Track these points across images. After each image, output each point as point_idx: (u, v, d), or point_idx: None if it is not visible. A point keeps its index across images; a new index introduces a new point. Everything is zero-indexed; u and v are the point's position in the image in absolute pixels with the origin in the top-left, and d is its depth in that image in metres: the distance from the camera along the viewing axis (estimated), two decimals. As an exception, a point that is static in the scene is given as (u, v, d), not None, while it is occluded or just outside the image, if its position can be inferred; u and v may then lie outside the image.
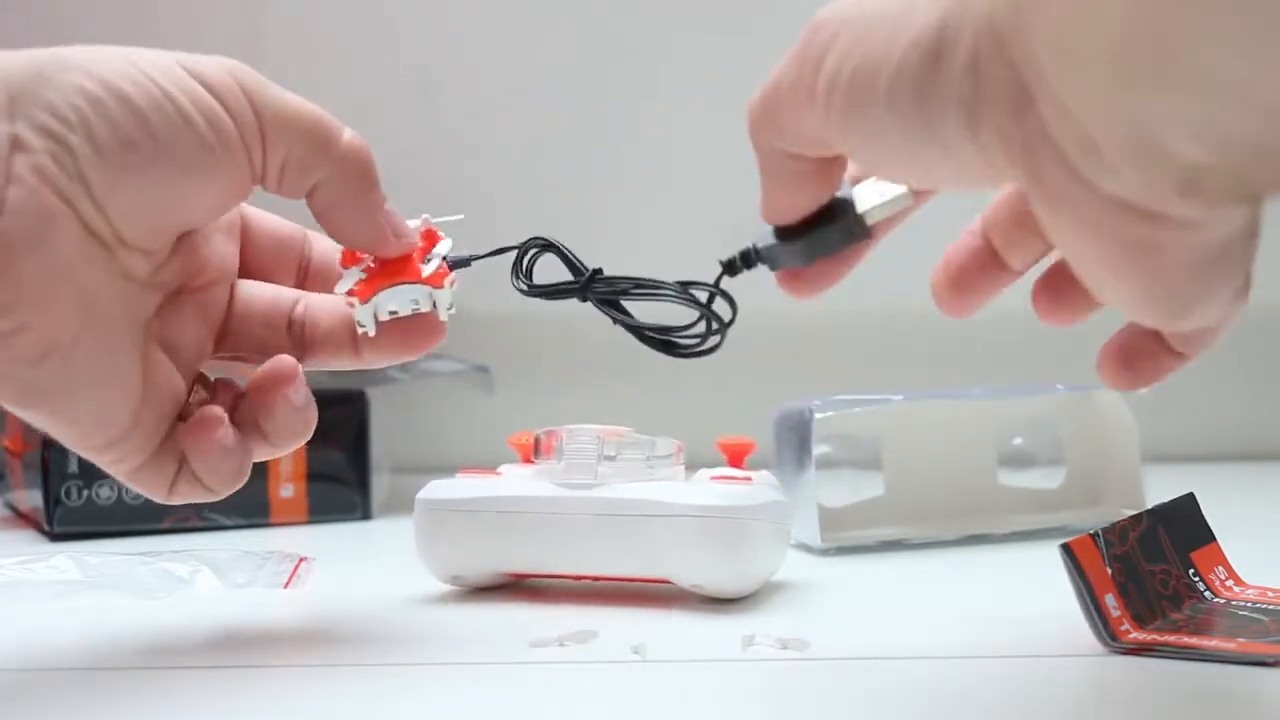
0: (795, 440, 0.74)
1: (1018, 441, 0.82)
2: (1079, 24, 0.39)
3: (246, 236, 0.58)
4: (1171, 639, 0.52)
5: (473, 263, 0.55)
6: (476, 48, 1.14)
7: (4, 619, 0.61)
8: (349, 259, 0.55)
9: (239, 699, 0.50)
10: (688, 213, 1.15)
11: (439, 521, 0.62)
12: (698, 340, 0.52)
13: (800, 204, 0.51)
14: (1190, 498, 0.58)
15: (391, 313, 0.54)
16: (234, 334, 0.57)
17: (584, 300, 0.52)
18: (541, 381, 1.09)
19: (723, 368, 1.11)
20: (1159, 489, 0.64)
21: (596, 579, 0.62)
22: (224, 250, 0.56)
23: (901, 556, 0.73)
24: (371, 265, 0.54)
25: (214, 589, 0.64)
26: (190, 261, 0.55)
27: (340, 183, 0.53)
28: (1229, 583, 0.57)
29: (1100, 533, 0.54)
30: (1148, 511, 0.57)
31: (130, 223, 0.51)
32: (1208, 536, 0.58)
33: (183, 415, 0.54)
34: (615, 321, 0.51)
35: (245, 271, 0.57)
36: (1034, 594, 0.61)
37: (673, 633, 0.57)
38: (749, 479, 0.63)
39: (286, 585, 0.65)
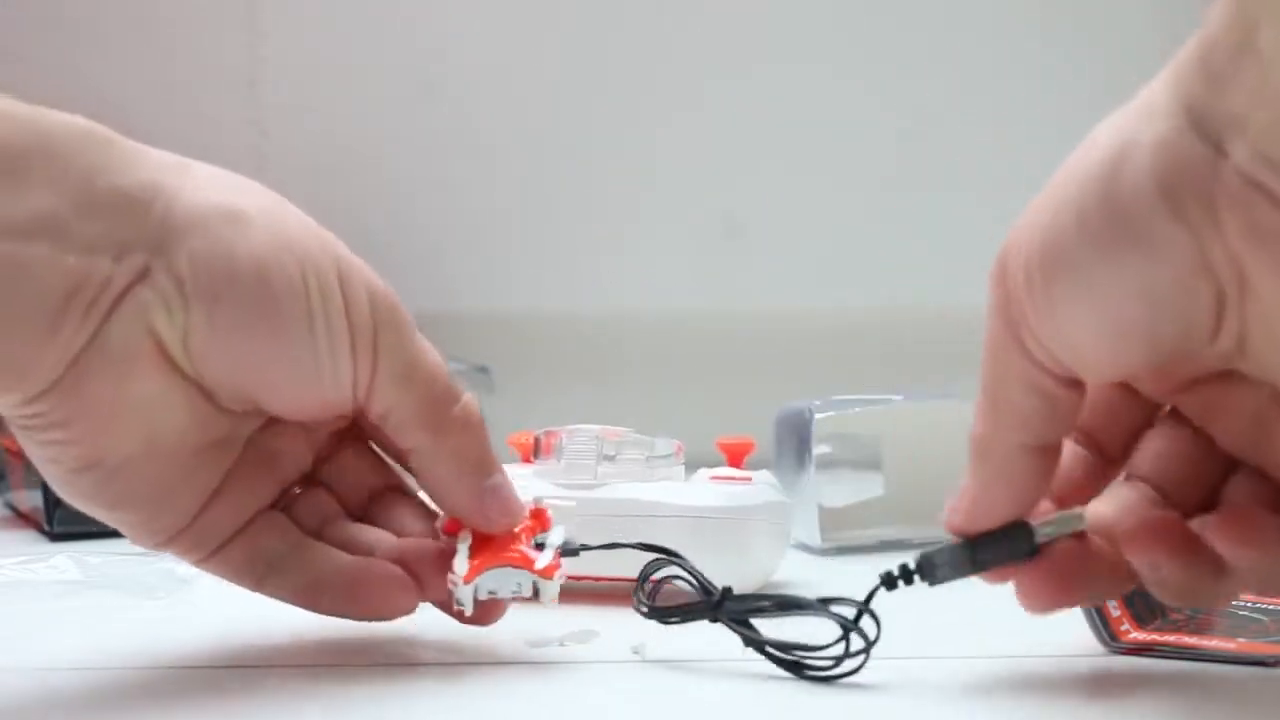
0: (795, 440, 0.74)
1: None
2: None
3: None
4: (1171, 639, 0.52)
5: (581, 553, 0.53)
6: (476, 48, 1.14)
7: (4, 619, 0.61)
8: (451, 526, 0.52)
9: (239, 699, 0.50)
10: (688, 212, 1.15)
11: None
12: (833, 662, 0.48)
13: (1013, 500, 0.47)
14: (1190, 497, 0.58)
15: (490, 593, 0.52)
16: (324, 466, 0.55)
17: (714, 621, 0.50)
18: (541, 381, 1.09)
19: (723, 368, 1.11)
20: (1159, 489, 0.64)
21: (597, 579, 0.62)
22: None
23: (901, 556, 0.73)
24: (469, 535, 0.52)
25: (214, 589, 0.64)
26: None
27: (439, 457, 0.52)
28: (1229, 583, 0.57)
29: (1100, 533, 0.54)
30: (1148, 511, 0.57)
31: (216, 387, 0.50)
32: (1208, 536, 0.58)
33: (286, 509, 0.54)
34: (746, 644, 0.49)
35: None
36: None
37: (673, 633, 0.57)
38: (749, 479, 0.63)
39: (286, 585, 0.65)
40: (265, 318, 0.49)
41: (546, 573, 0.51)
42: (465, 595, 0.51)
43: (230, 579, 0.54)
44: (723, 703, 0.49)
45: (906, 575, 0.48)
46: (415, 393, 0.51)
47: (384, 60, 1.15)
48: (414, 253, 1.14)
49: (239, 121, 1.14)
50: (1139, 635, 0.52)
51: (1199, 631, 0.53)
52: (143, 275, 0.48)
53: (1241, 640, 0.52)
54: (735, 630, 0.49)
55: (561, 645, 0.54)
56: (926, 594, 0.67)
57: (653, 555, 0.52)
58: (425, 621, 0.60)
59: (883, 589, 0.47)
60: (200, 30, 1.14)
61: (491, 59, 1.15)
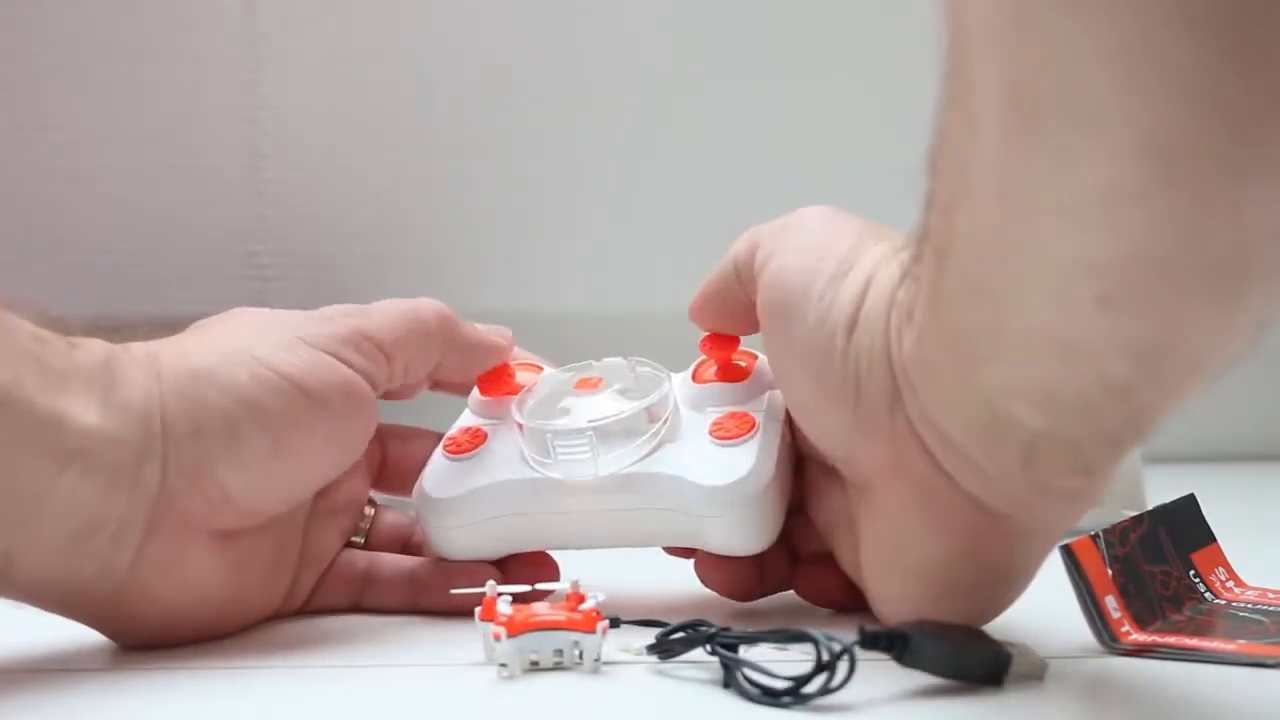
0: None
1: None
2: (932, 332, 0.47)
3: None
4: (1172, 640, 0.52)
5: (622, 624, 0.52)
6: (476, 48, 1.14)
7: (4, 619, 0.61)
8: (487, 611, 0.52)
9: (239, 699, 0.50)
10: (688, 214, 1.15)
11: (439, 519, 0.61)
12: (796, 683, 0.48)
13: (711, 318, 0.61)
14: (1191, 499, 0.58)
15: (533, 662, 0.51)
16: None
17: (711, 653, 0.50)
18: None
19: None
20: (1159, 489, 0.64)
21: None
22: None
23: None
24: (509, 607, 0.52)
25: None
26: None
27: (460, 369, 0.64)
28: (1229, 584, 0.57)
29: (1101, 533, 0.54)
30: (1149, 512, 0.57)
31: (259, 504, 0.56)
32: (1208, 537, 0.58)
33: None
34: (729, 684, 0.49)
35: None
36: (1034, 594, 0.61)
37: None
38: (750, 422, 0.60)
39: (286, 585, 0.65)
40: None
41: (586, 625, 0.50)
42: (508, 653, 0.50)
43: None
44: (723, 702, 0.49)
45: (883, 641, 0.48)
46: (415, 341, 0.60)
47: (384, 60, 1.15)
48: (414, 253, 1.14)
49: (239, 121, 1.14)
50: (1140, 636, 0.52)
51: (1199, 633, 0.53)
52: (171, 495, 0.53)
53: (1242, 642, 0.52)
54: (725, 660, 0.49)
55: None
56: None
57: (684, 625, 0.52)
58: (426, 622, 0.60)
59: (858, 645, 0.47)
60: (200, 30, 1.14)
61: (491, 59, 1.15)
